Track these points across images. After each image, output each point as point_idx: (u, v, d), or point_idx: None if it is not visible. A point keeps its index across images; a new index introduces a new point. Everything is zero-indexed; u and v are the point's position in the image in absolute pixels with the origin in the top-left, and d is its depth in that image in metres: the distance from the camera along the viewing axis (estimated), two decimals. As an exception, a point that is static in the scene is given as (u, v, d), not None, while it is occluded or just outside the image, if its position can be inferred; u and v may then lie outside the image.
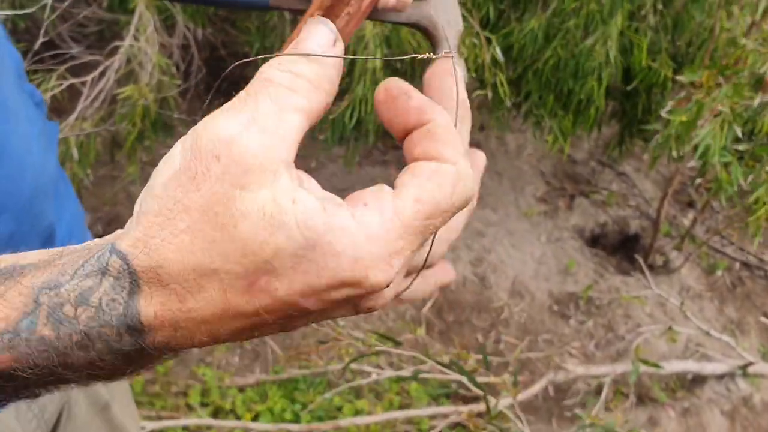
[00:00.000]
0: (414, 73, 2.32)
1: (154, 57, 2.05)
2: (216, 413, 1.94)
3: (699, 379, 2.31)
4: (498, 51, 2.07)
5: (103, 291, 0.32)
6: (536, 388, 2.08)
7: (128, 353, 0.33)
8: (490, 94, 2.19)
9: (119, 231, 0.35)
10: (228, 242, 0.31)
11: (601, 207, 2.88)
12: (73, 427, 0.85)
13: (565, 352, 2.38)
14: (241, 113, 0.33)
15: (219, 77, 2.96)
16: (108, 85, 2.10)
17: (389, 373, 1.99)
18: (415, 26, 0.76)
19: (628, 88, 2.30)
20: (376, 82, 2.08)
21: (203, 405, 1.95)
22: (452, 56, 0.56)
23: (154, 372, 2.06)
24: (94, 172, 2.45)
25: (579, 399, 2.22)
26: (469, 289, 2.52)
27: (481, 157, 0.45)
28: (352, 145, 2.36)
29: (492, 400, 1.83)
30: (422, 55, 0.67)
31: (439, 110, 0.38)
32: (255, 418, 1.91)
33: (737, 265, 2.74)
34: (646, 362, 2.01)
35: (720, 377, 2.33)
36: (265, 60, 0.36)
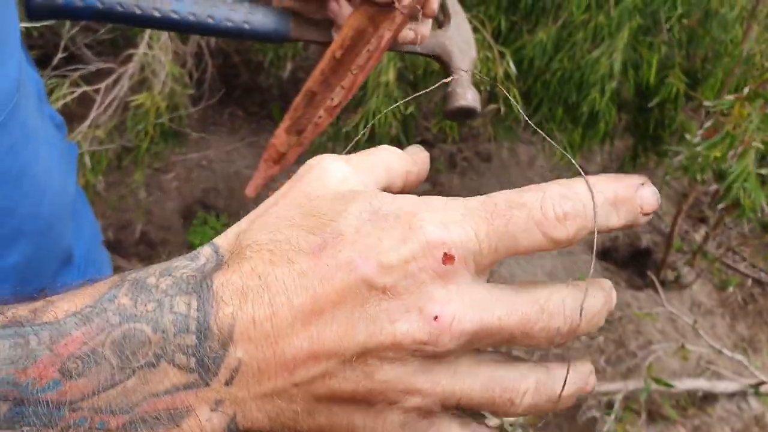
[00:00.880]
0: (426, 86, 2.31)
1: (168, 65, 2.05)
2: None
3: (710, 397, 2.29)
4: (511, 65, 2.07)
5: (188, 268, 0.33)
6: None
7: (189, 351, 0.32)
8: (502, 108, 2.19)
9: None
10: (313, 203, 0.35)
11: (612, 221, 2.87)
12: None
13: (576, 368, 2.36)
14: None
15: (231, 85, 2.97)
16: (121, 93, 2.11)
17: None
18: (432, 55, 0.76)
19: (647, 104, 2.29)
20: (389, 95, 2.07)
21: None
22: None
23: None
24: (104, 178, 2.45)
25: (590, 415, 2.20)
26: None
27: None
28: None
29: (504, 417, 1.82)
30: (446, 80, 0.67)
31: None
32: None
33: (749, 281, 2.72)
34: (658, 381, 1.99)
35: (731, 396, 2.31)
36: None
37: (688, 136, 1.87)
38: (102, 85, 2.09)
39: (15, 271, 0.65)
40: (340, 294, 0.32)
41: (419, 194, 0.36)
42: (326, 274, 0.32)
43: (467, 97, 0.74)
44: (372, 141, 2.17)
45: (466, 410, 0.36)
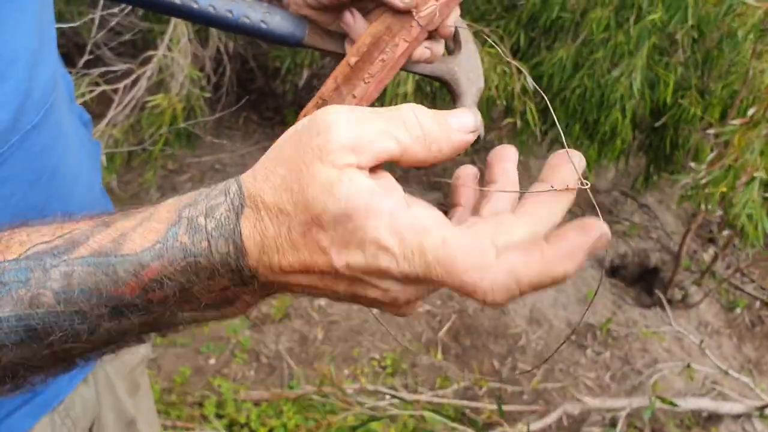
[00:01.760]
0: (443, 96, 2.33)
1: (186, 68, 2.07)
2: (231, 426, 1.94)
3: (715, 418, 2.28)
4: (529, 80, 2.08)
5: (224, 207, 0.42)
6: (551, 418, 2.06)
7: (233, 272, 0.42)
8: (519, 123, 2.20)
9: None
10: (299, 194, 0.41)
11: (622, 238, 2.87)
12: (103, 440, 0.87)
13: (581, 383, 2.36)
14: (354, 114, 0.42)
15: (247, 90, 2.99)
16: (139, 94, 2.13)
17: (405, 395, 1.98)
18: (440, 80, 0.77)
19: (656, 123, 2.30)
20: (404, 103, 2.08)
21: (218, 417, 1.95)
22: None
23: (171, 381, 2.06)
24: (118, 176, 2.47)
25: (593, 432, 2.19)
26: (487, 314, 2.51)
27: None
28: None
29: (506, 430, 1.82)
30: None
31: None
32: (268, 434, 1.91)
33: (757, 303, 2.71)
34: (663, 399, 1.99)
35: (736, 417, 2.30)
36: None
37: (693, 165, 1.88)
38: (120, 85, 2.11)
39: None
40: (310, 264, 0.42)
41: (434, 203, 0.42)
42: (309, 249, 0.42)
43: None
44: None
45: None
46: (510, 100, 2.15)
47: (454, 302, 2.53)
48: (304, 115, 0.72)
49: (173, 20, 2.09)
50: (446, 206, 0.48)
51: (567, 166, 0.46)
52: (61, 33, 2.37)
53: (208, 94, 2.13)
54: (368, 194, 0.40)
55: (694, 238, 2.84)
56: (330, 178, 0.40)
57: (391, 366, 2.25)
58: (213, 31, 2.28)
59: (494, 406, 2.01)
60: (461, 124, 0.45)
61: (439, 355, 2.33)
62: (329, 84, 0.72)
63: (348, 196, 0.40)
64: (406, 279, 0.41)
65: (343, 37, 0.75)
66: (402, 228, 0.40)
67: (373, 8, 0.72)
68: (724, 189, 1.43)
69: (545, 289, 0.42)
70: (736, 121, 1.68)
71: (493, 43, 2.04)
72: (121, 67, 2.21)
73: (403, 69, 0.75)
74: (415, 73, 0.76)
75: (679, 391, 2.35)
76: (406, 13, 0.68)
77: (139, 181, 2.61)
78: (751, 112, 1.72)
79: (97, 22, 1.92)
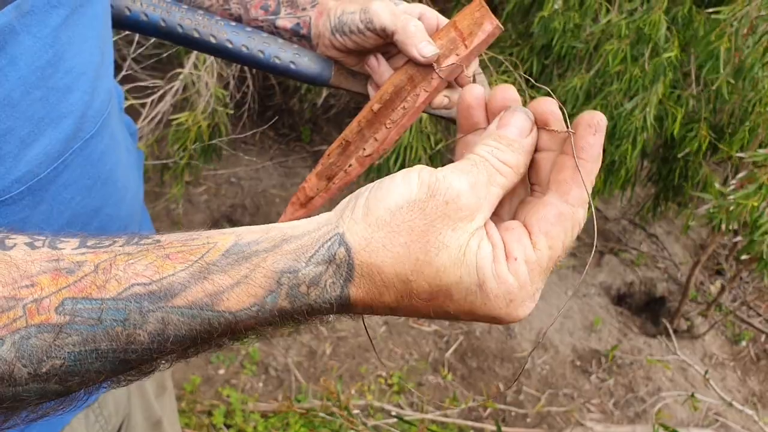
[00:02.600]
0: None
1: (212, 86, 2.14)
2: (238, 437, 1.97)
3: (717, 449, 2.30)
4: (557, 103, 2.12)
5: (329, 275, 0.44)
6: (554, 442, 2.08)
7: (326, 317, 0.46)
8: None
9: (336, 216, 0.46)
10: (426, 265, 0.43)
11: (629, 266, 2.90)
12: (131, 438, 0.91)
13: (585, 408, 2.38)
14: (467, 176, 0.45)
15: (265, 106, 3.05)
16: (165, 109, 2.19)
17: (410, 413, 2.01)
18: (454, 121, 0.82)
19: (667, 154, 2.34)
20: (421, 131, 2.14)
21: (227, 426, 1.98)
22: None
23: (181, 389, 2.10)
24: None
25: (595, 457, 2.21)
26: (494, 336, 2.54)
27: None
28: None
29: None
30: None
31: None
32: (275, 446, 1.94)
33: (763, 337, 2.73)
34: (666, 428, 2.01)
35: (739, 449, 2.31)
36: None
37: (717, 185, 1.91)
38: (148, 100, 2.17)
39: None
40: (421, 314, 0.47)
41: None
42: (429, 310, 0.46)
43: None
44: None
45: None
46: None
47: (461, 323, 2.56)
48: (329, 155, 0.77)
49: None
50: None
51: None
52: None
53: (231, 111, 2.19)
54: (492, 260, 0.44)
55: (702, 269, 2.86)
56: (460, 247, 0.44)
57: (397, 384, 2.28)
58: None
59: (497, 427, 2.04)
60: (520, 129, 0.49)
61: (449, 376, 2.35)
62: (353, 126, 0.76)
63: (479, 266, 0.44)
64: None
65: (366, 78, 0.80)
66: (512, 294, 0.45)
67: (396, 53, 0.77)
68: (755, 203, 1.47)
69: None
70: (765, 150, 1.72)
71: (524, 77, 2.09)
72: (147, 82, 2.27)
73: (423, 111, 0.80)
74: (430, 113, 0.81)
75: (682, 420, 2.37)
76: (427, 65, 0.72)
77: (156, 192, 2.66)
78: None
79: (136, 38, 1.99)
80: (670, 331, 2.52)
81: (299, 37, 0.80)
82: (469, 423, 2.16)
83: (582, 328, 2.66)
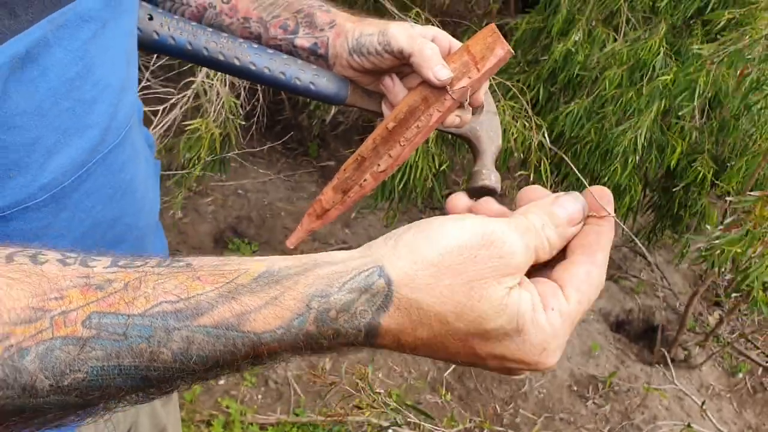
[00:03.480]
0: (462, 145, 2.40)
1: (224, 95, 2.16)
2: (236, 448, 1.97)
3: (711, 480, 2.30)
4: (546, 137, 2.14)
5: (361, 302, 0.44)
6: (549, 466, 2.09)
7: (351, 346, 0.46)
8: (532, 176, 2.26)
9: (372, 250, 0.47)
10: (468, 309, 0.45)
11: (629, 294, 2.91)
12: (138, 444, 0.92)
13: (580, 434, 2.39)
14: (522, 238, 0.48)
15: (273, 119, 3.08)
16: (176, 118, 2.21)
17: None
18: (462, 136, 0.85)
19: (668, 184, 2.36)
20: (426, 151, 2.16)
21: (224, 437, 1.99)
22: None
23: (181, 398, 2.10)
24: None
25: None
26: (492, 357, 2.55)
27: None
28: (395, 203, 2.43)
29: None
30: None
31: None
32: (271, 458, 1.94)
33: (760, 370, 2.74)
34: (661, 456, 2.01)
35: (733, 481, 2.31)
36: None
37: (708, 227, 1.93)
38: (159, 108, 2.20)
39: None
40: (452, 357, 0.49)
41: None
42: (461, 351, 0.48)
43: (491, 178, 0.83)
44: (405, 189, 2.26)
45: None
46: (527, 153, 2.22)
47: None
48: (344, 170, 0.80)
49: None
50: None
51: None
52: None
53: (243, 122, 2.21)
54: (532, 308, 0.47)
55: (700, 300, 2.88)
56: (502, 297, 0.46)
57: (395, 402, 2.28)
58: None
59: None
60: (571, 217, 0.51)
61: (448, 396, 2.36)
62: (368, 143, 0.79)
63: (520, 313, 0.46)
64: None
65: (381, 97, 0.83)
66: (547, 342, 0.48)
67: (409, 72, 0.80)
68: (739, 250, 1.49)
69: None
70: (756, 193, 1.74)
71: (529, 103, 2.12)
72: (159, 90, 2.30)
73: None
74: (441, 131, 0.84)
75: (677, 450, 2.37)
76: (441, 87, 0.76)
77: (162, 199, 2.68)
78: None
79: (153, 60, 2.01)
80: (668, 360, 2.53)
81: (316, 56, 0.82)
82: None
83: (580, 353, 2.67)
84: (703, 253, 1.81)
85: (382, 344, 0.46)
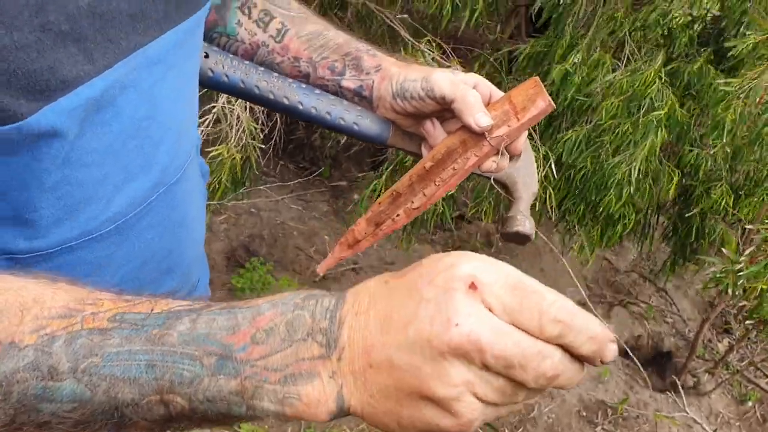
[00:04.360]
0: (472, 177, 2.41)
1: (244, 120, 2.19)
2: (249, 468, 1.98)
3: None
4: (553, 167, 2.15)
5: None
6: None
7: (323, 342, 0.48)
8: (537, 205, 2.27)
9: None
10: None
11: (638, 319, 2.92)
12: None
13: (590, 461, 2.39)
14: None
15: (287, 139, 3.11)
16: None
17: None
18: (499, 182, 0.87)
19: (684, 211, 2.37)
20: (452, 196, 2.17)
21: (238, 458, 1.99)
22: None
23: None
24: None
25: None
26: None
27: None
28: (409, 227, 2.45)
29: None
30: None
31: None
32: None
33: (769, 398, 2.74)
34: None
35: None
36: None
37: (725, 251, 1.95)
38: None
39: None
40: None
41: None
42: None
43: (525, 224, 0.85)
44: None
45: None
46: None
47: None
48: (379, 203, 0.82)
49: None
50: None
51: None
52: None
53: (262, 146, 2.24)
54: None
55: (710, 327, 2.89)
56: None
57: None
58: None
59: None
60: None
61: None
62: (405, 180, 0.82)
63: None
64: None
65: (420, 139, 0.86)
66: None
67: (449, 117, 0.82)
68: (764, 286, 1.51)
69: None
70: None
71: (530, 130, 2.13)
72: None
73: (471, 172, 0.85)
74: (478, 175, 0.86)
75: (687, 478, 2.37)
76: (480, 133, 0.78)
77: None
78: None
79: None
80: (679, 386, 2.53)
81: (361, 97, 0.85)
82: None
83: (589, 378, 2.67)
84: (718, 276, 1.83)
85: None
